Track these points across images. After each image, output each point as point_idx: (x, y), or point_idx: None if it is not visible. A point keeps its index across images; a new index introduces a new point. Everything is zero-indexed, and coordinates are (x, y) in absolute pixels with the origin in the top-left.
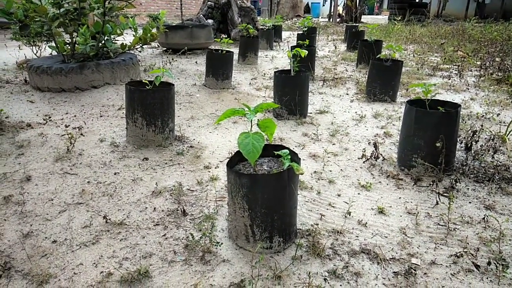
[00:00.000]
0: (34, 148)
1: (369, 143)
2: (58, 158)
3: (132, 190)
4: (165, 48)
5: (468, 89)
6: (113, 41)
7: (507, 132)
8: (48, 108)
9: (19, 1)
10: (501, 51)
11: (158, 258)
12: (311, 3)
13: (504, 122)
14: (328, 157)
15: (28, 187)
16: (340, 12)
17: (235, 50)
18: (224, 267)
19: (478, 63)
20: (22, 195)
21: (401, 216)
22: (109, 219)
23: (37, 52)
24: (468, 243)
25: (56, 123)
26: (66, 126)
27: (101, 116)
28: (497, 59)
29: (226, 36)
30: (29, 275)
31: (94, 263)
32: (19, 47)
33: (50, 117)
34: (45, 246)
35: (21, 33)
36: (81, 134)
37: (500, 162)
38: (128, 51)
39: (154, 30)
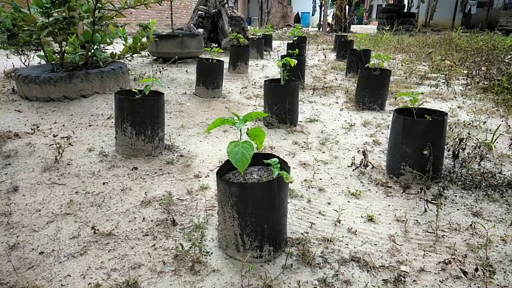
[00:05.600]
0: (21, 158)
1: (358, 151)
2: (46, 168)
3: (121, 200)
4: (155, 57)
5: (455, 97)
6: (103, 50)
7: (493, 140)
8: (36, 118)
9: (8, 10)
10: (487, 60)
11: (147, 269)
12: (301, 13)
13: (490, 130)
14: (318, 165)
15: (15, 198)
16: (330, 22)
17: (226, 59)
18: (214, 277)
19: (465, 72)
20: (8, 206)
21: (390, 223)
22: (98, 229)
23: (25, 61)
24: (456, 250)
25: (44, 132)
26: (54, 136)
27: (90, 126)
28: (483, 68)
29: (216, 45)
30: None
31: (82, 275)
32: (7, 56)
33: (38, 127)
34: (32, 257)
35: (9, 42)
36: (70, 144)
37: (487, 170)
38: (118, 60)
39: (144, 39)
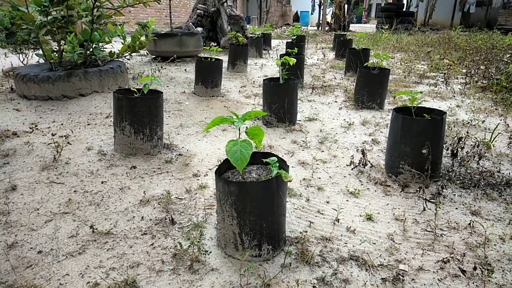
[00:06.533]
0: (20, 157)
1: (357, 150)
2: (44, 167)
3: (120, 199)
4: (154, 56)
5: (454, 96)
6: (101, 49)
7: (492, 139)
8: (35, 117)
9: (6, 8)
10: (486, 59)
11: (146, 268)
12: (300, 11)
13: (489, 129)
14: (317, 164)
15: (13, 197)
16: (329, 21)
17: (225, 58)
18: (213, 276)
19: (464, 71)
20: (7, 205)
21: (389, 222)
22: (96, 228)
23: (23, 60)
24: (454, 249)
25: (42, 131)
26: (53, 135)
27: (88, 125)
28: (481, 67)
29: (215, 44)
30: (13, 287)
31: (81, 274)
32: (5, 55)
33: (36, 126)
34: (30, 256)
35: (7, 41)
36: (68, 143)
37: (485, 168)
38: (117, 59)
39: (143, 38)
